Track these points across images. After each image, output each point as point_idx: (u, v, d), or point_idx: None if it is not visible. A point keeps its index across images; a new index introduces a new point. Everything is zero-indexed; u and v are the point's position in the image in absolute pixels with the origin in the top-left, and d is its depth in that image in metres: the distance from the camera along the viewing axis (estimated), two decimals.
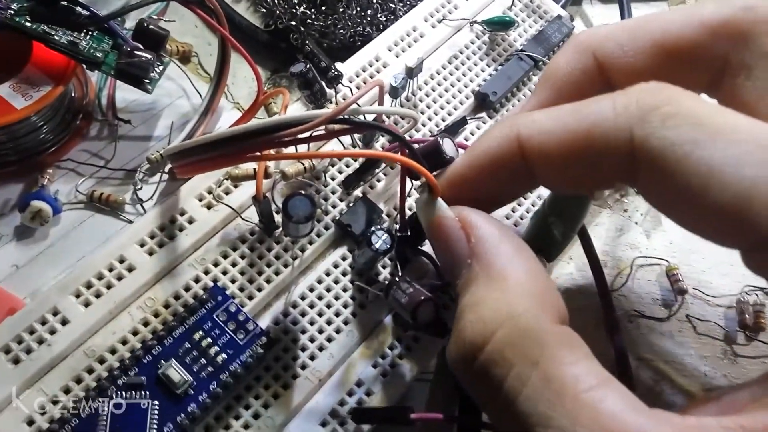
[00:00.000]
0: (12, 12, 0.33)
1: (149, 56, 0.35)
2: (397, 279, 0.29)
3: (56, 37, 0.33)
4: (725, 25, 0.24)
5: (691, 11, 0.25)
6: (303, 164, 0.32)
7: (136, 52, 0.35)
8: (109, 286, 0.30)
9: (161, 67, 0.37)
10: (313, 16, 0.41)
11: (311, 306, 0.32)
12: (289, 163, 0.34)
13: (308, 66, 0.33)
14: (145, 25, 0.35)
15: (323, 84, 0.34)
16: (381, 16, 0.43)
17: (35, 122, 0.36)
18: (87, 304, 0.30)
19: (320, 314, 0.32)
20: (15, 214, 0.35)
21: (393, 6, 0.43)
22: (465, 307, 0.22)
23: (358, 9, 0.42)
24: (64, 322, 0.29)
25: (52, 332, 0.29)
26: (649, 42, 0.25)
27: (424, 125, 0.39)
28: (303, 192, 0.28)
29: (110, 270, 0.31)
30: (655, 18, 0.26)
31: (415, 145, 0.32)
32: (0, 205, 0.35)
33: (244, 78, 0.44)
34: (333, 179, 0.36)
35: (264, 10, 0.43)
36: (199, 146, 0.24)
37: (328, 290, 0.33)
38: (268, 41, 0.43)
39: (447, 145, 0.29)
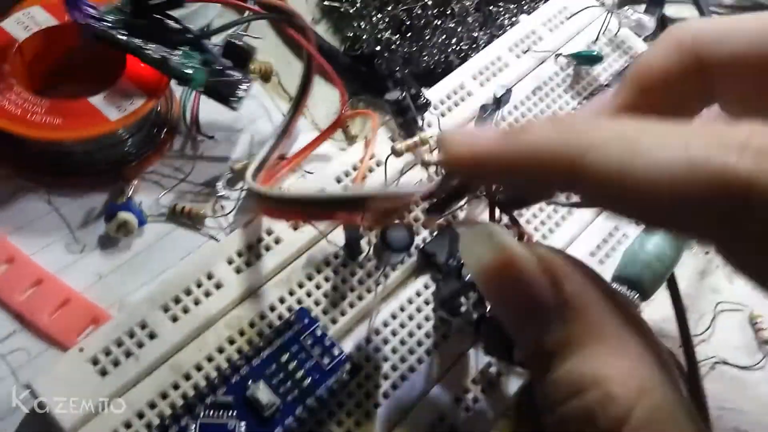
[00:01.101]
0: (108, 24, 0.33)
1: (238, 75, 0.35)
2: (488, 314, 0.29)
3: (149, 52, 0.34)
4: None
5: None
6: (418, 139, 0.32)
7: (225, 70, 0.35)
8: (197, 302, 0.30)
9: (248, 85, 0.37)
10: (398, 42, 0.41)
11: (393, 334, 0.32)
12: None
13: (404, 94, 0.32)
14: (234, 42, 0.36)
15: (415, 113, 0.34)
16: (464, 45, 0.42)
17: (121, 134, 0.36)
18: (175, 319, 0.30)
19: (402, 343, 0.32)
20: (99, 223, 0.35)
21: (475, 35, 0.43)
22: (577, 379, 0.17)
23: (444, 37, 0.42)
24: (152, 336, 0.29)
25: (140, 345, 0.29)
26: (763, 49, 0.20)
27: None
28: (402, 222, 0.28)
29: (198, 286, 0.31)
30: None
31: None
32: (84, 214, 0.35)
33: (323, 99, 0.44)
34: (417, 205, 0.35)
35: (350, 34, 0.43)
36: (283, 199, 0.24)
37: (411, 318, 0.32)
38: (348, 64, 0.43)
39: None
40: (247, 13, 0.37)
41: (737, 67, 0.21)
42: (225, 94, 0.35)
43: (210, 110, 0.40)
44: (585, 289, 0.18)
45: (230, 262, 0.32)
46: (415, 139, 0.33)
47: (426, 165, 0.32)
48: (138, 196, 0.36)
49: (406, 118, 0.33)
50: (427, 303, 0.33)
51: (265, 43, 0.46)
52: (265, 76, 0.43)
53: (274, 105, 0.42)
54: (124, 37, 0.33)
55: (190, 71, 0.34)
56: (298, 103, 0.37)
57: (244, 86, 0.35)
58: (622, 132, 0.17)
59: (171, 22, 0.34)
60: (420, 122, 0.36)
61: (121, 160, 0.37)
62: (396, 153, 0.33)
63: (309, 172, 0.39)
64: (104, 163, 0.36)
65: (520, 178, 0.20)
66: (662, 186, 0.15)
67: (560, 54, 0.42)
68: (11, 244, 0.33)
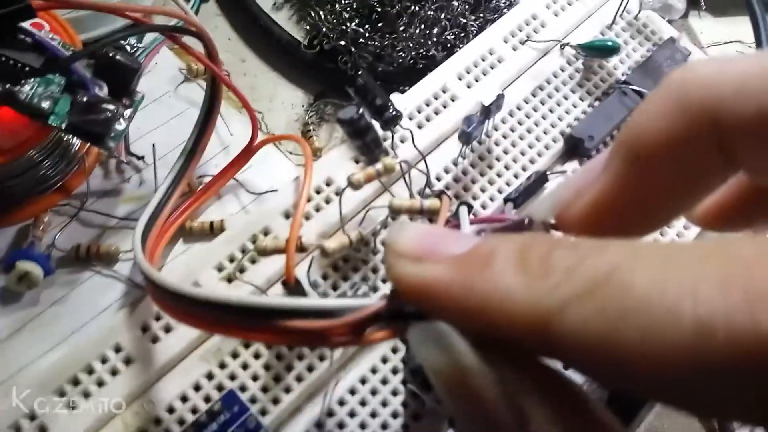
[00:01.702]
0: None
1: (112, 107, 0.27)
2: None
3: None
4: None
5: None
6: (348, 237, 0.25)
7: (93, 101, 0.27)
8: (100, 383, 0.24)
9: (130, 111, 0.29)
10: (367, 35, 0.33)
11: (351, 415, 0.25)
12: (320, 233, 0.27)
13: (360, 112, 0.25)
14: (110, 56, 0.28)
15: (376, 133, 0.27)
16: (449, 35, 0.35)
17: (33, 157, 0.30)
18: (72, 407, 0.24)
19: (363, 426, 0.25)
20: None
21: (464, 21, 0.36)
22: None
23: (422, 27, 0.34)
24: (42, 430, 0.23)
25: None
26: None
27: (499, 176, 0.31)
28: None
29: (103, 361, 0.25)
30: None
31: (492, 224, 0.24)
32: None
33: (283, 104, 0.37)
34: (384, 245, 0.28)
35: (307, 27, 0.36)
36: (178, 295, 0.18)
37: (374, 393, 0.26)
38: (311, 60, 0.36)
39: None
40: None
41: (764, 127, 0.14)
42: (95, 133, 0.27)
43: (147, 119, 0.33)
44: (555, 422, 0.13)
45: (145, 330, 0.25)
46: (377, 167, 0.26)
47: (394, 212, 0.25)
48: (52, 233, 0.30)
49: (366, 142, 0.26)
50: (394, 372, 0.26)
51: (216, 36, 0.38)
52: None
53: (224, 110, 0.35)
54: None
55: (46, 104, 0.26)
56: (202, 128, 0.30)
57: (122, 117, 0.28)
58: (604, 274, 0.12)
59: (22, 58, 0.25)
60: (388, 140, 0.30)
61: (33, 189, 0.30)
62: (352, 185, 0.26)
63: (254, 193, 0.32)
64: (9, 195, 0.30)
65: (480, 332, 0.14)
66: (663, 361, 0.11)
67: (567, 44, 0.34)
68: None
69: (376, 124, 0.29)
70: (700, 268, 0.11)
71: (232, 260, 0.27)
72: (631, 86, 0.33)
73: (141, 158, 0.32)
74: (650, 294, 0.11)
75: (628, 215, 0.16)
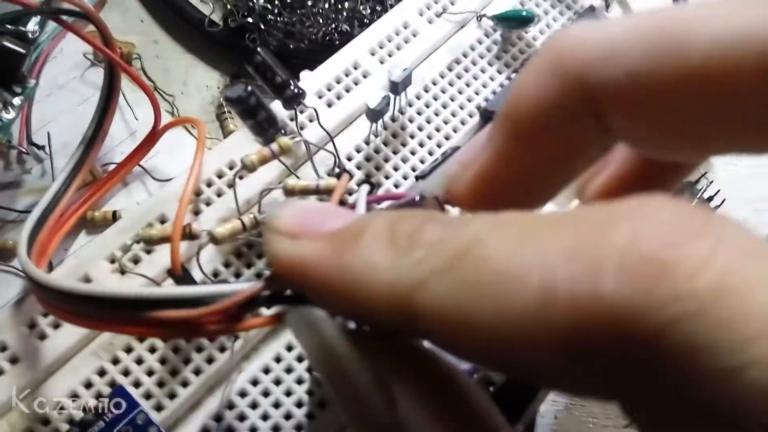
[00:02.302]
0: None
1: None
2: None
3: None
4: None
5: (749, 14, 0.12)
6: (241, 221, 0.24)
7: None
8: None
9: (19, 99, 0.28)
10: (276, 11, 0.32)
11: (253, 406, 0.25)
12: (220, 219, 0.26)
13: (249, 89, 0.24)
14: None
15: (270, 111, 0.25)
16: (364, 9, 0.34)
17: None
18: None
19: (265, 417, 0.25)
20: None
21: None
22: None
23: (333, 1, 0.33)
24: None
25: None
26: (679, 74, 0.12)
27: (413, 153, 0.30)
28: None
29: None
30: (687, 18, 0.13)
31: (390, 202, 0.23)
32: None
33: (197, 86, 0.35)
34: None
35: (215, 2, 0.34)
36: (53, 290, 0.17)
37: (278, 383, 0.25)
38: (223, 38, 0.35)
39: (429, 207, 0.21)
40: None
41: (635, 92, 0.13)
42: None
43: (52, 107, 0.32)
44: (420, 407, 0.13)
45: (32, 326, 0.24)
46: (273, 147, 0.25)
47: (288, 193, 0.24)
48: None
49: (257, 120, 0.25)
50: (300, 360, 0.26)
51: (127, 18, 0.37)
52: (124, 61, 0.35)
53: (133, 99, 0.33)
54: None
55: None
56: (102, 116, 0.29)
57: (9, 106, 0.26)
58: (464, 248, 0.11)
59: None
60: (296, 118, 0.28)
61: None
62: (246, 167, 0.25)
63: (160, 180, 0.31)
64: None
65: (343, 307, 0.13)
66: (511, 335, 0.10)
67: (484, 15, 0.33)
68: None
69: (278, 103, 0.28)
70: (551, 237, 0.11)
71: (125, 251, 0.26)
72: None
73: (41, 148, 0.31)
74: (502, 265, 0.11)
75: (512, 188, 0.15)
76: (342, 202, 0.23)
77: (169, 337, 0.23)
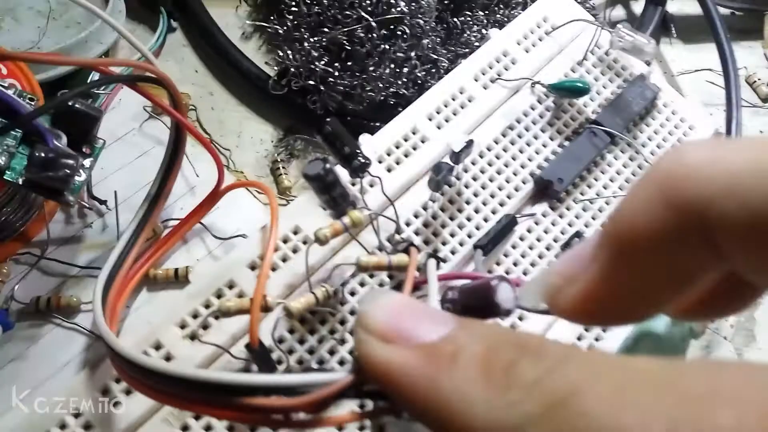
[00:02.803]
0: None
1: (71, 162, 0.26)
2: None
3: None
4: None
5: None
6: (315, 294, 0.25)
7: (52, 157, 0.25)
8: None
9: (90, 160, 0.28)
10: (336, 74, 0.33)
11: None
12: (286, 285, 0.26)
13: (327, 167, 0.25)
14: (70, 105, 0.26)
15: (344, 187, 0.26)
16: (419, 71, 0.34)
17: None
18: None
19: None
20: None
21: (434, 57, 0.35)
22: None
23: (392, 66, 0.33)
24: None
25: None
26: None
27: (469, 219, 0.31)
28: None
29: (62, 428, 0.24)
30: None
31: (456, 282, 0.24)
32: None
33: (252, 139, 0.36)
34: (353, 294, 0.28)
35: (276, 67, 0.35)
36: (135, 365, 0.17)
37: None
38: (282, 94, 0.35)
39: (503, 293, 0.21)
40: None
41: (757, 229, 0.13)
42: (54, 187, 0.26)
43: (111, 160, 0.33)
44: None
45: (105, 392, 0.25)
46: (345, 221, 0.26)
47: (361, 269, 0.25)
48: (11, 283, 0.29)
49: (333, 195, 0.26)
50: None
51: (183, 69, 0.38)
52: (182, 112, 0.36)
53: (193, 154, 0.34)
54: None
55: (2, 160, 0.25)
56: (166, 174, 0.29)
57: (81, 168, 0.27)
58: (561, 397, 0.12)
59: None
60: (357, 185, 0.29)
61: None
62: (319, 241, 0.25)
63: (220, 238, 0.32)
64: None
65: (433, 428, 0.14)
66: None
67: (538, 82, 0.34)
68: None
69: (345, 172, 0.29)
70: (651, 402, 0.11)
71: (195, 316, 0.26)
72: (601, 126, 0.33)
73: (104, 202, 0.31)
74: (601, 425, 0.11)
75: (618, 304, 0.16)
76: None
77: (256, 424, 0.24)
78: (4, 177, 0.25)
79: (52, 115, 0.27)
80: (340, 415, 0.17)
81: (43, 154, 0.25)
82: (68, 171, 0.25)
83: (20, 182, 0.25)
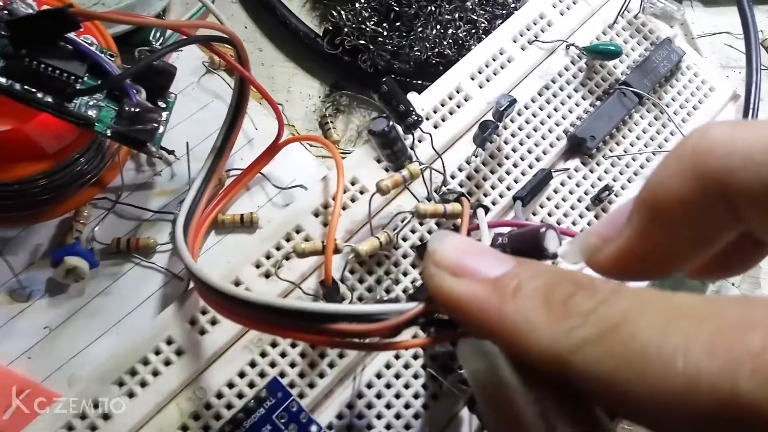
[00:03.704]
0: None
1: (156, 116, 0.29)
2: None
3: (39, 95, 0.26)
4: None
5: None
6: (379, 239, 0.28)
7: (139, 111, 0.28)
8: (155, 373, 0.27)
9: (167, 114, 0.31)
10: (385, 34, 0.35)
11: (378, 396, 0.29)
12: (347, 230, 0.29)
13: (391, 124, 0.28)
14: (150, 64, 0.28)
15: (404, 143, 0.29)
16: (461, 32, 0.37)
17: (73, 156, 0.31)
18: (131, 395, 0.26)
19: (388, 406, 0.29)
20: (47, 263, 0.31)
21: (474, 17, 0.37)
22: None
23: (438, 27, 0.36)
24: (105, 417, 0.26)
25: (93, 429, 0.26)
26: None
27: (508, 173, 0.33)
28: None
29: (156, 354, 0.27)
30: None
31: (507, 229, 0.27)
32: (30, 253, 0.31)
33: (300, 94, 0.39)
34: (405, 240, 0.31)
35: (329, 26, 0.37)
36: (237, 300, 0.20)
37: (397, 377, 0.29)
38: (328, 53, 0.37)
39: (550, 239, 0.24)
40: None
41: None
42: (140, 141, 0.29)
43: (174, 112, 0.35)
44: None
45: (193, 323, 0.28)
46: (404, 174, 0.29)
47: (419, 216, 0.28)
48: (91, 225, 0.32)
49: (394, 150, 0.29)
50: (415, 358, 0.29)
51: (232, 25, 0.39)
52: (231, 69, 0.38)
53: (250, 107, 0.36)
54: (3, 80, 0.26)
55: (93, 112, 0.28)
56: (230, 127, 0.32)
57: (161, 121, 0.29)
58: (614, 323, 0.14)
59: (66, 74, 0.27)
60: (408, 140, 0.32)
61: (71, 184, 0.32)
62: (381, 191, 0.28)
63: (280, 187, 0.34)
64: (50, 189, 0.32)
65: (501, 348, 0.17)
66: (656, 403, 0.13)
67: (572, 44, 0.36)
68: None
69: (399, 128, 0.31)
70: (694, 330, 0.13)
71: (268, 257, 0.29)
72: (630, 87, 0.35)
73: (171, 152, 0.34)
74: (650, 347, 0.13)
75: (649, 262, 0.18)
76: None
77: (337, 347, 0.27)
78: (95, 128, 0.28)
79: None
80: (414, 340, 0.21)
81: (131, 109, 0.27)
82: (154, 124, 0.28)
83: (108, 133, 0.28)
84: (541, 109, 0.35)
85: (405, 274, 0.31)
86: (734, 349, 0.13)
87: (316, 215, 0.31)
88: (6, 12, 0.27)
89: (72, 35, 0.28)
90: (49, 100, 0.26)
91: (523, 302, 0.16)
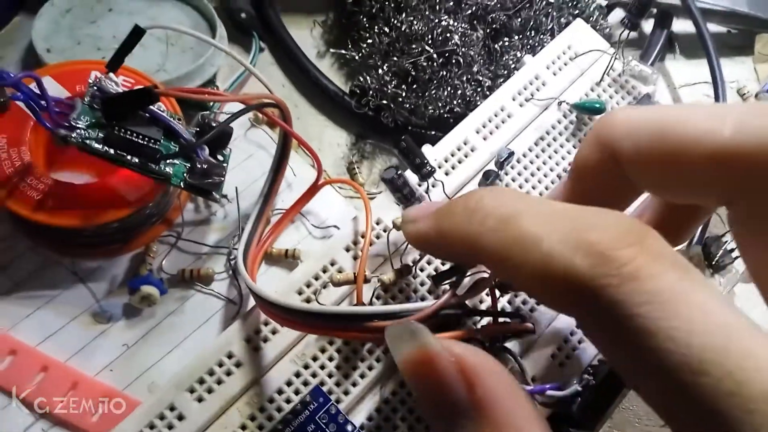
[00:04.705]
0: (81, 131, 0.32)
1: (221, 171, 0.35)
2: None
3: (128, 158, 0.32)
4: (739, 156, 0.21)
5: (717, 121, 0.21)
6: (400, 270, 0.34)
7: (208, 168, 0.34)
8: (219, 382, 0.33)
9: (225, 166, 0.37)
10: (404, 95, 0.41)
11: (402, 402, 0.34)
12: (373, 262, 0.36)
13: (399, 173, 0.34)
14: (212, 124, 0.35)
15: (412, 188, 0.35)
16: (468, 90, 0.43)
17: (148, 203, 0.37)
18: (200, 400, 0.32)
19: (410, 411, 0.34)
20: (123, 290, 0.37)
21: (480, 78, 0.43)
22: None
23: (449, 89, 0.42)
24: (180, 418, 0.32)
25: (170, 428, 0.32)
26: (675, 152, 0.22)
27: None
28: None
29: (220, 366, 0.33)
30: (692, 119, 0.22)
31: None
32: (109, 282, 0.37)
33: (330, 144, 0.45)
34: (422, 270, 0.37)
35: (356, 89, 0.43)
36: (281, 307, 0.26)
37: None
38: (353, 108, 0.44)
39: None
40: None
41: (641, 160, 0.23)
42: (207, 188, 0.35)
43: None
44: (497, 392, 0.20)
45: (248, 341, 0.34)
46: None
47: (397, 228, 0.34)
48: (158, 259, 0.38)
49: (404, 194, 0.35)
50: None
51: (271, 84, 0.46)
52: (272, 122, 0.44)
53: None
54: (99, 146, 0.32)
55: (169, 169, 0.34)
56: (273, 178, 0.37)
57: (222, 176, 0.36)
58: (508, 216, 0.21)
59: (149, 133, 0.33)
60: (423, 187, 0.38)
61: (138, 225, 0.38)
62: (396, 227, 0.34)
63: (318, 227, 0.41)
64: (123, 231, 0.38)
65: (445, 253, 0.26)
66: (530, 274, 0.19)
67: (563, 101, 0.42)
68: (10, 336, 0.35)
69: (416, 177, 0.37)
70: (556, 223, 0.20)
71: (308, 285, 0.35)
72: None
73: (224, 196, 0.40)
74: (529, 234, 0.20)
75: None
76: None
77: (374, 341, 0.33)
78: (171, 182, 0.34)
79: (198, 133, 0.36)
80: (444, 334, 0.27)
81: (201, 166, 0.34)
82: (222, 179, 0.34)
83: (182, 186, 0.34)
84: (537, 157, 0.41)
85: (423, 298, 0.36)
86: (578, 240, 0.18)
87: (347, 250, 0.37)
88: (96, 89, 0.33)
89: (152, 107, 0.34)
90: (136, 160, 0.33)
91: (452, 214, 0.23)
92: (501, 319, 0.31)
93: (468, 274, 0.36)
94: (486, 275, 0.30)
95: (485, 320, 0.35)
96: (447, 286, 0.28)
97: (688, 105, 0.30)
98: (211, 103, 0.42)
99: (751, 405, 0.15)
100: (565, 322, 0.37)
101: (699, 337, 0.16)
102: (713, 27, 0.50)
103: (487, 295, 0.36)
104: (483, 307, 0.36)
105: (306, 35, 0.48)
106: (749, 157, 0.20)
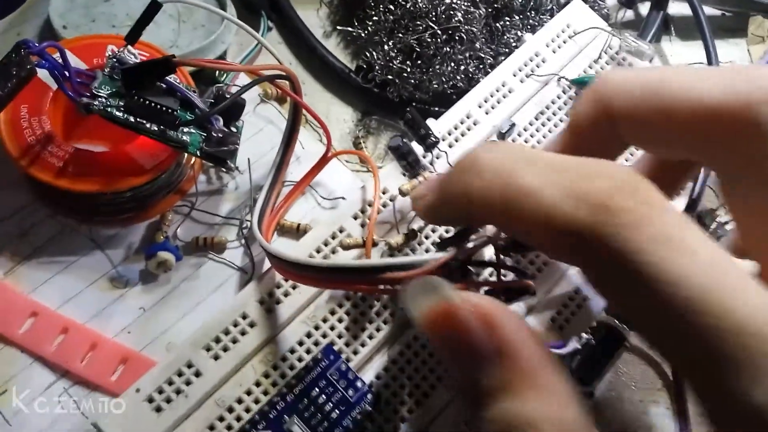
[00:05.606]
0: (103, 99, 0.33)
1: (236, 140, 0.37)
2: None
3: (147, 125, 0.34)
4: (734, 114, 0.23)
5: (707, 81, 0.23)
6: (406, 234, 0.35)
7: (224, 136, 0.36)
8: (234, 341, 0.34)
9: (239, 136, 0.38)
10: (409, 70, 0.43)
11: (408, 362, 0.36)
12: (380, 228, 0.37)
13: (404, 141, 0.35)
14: (226, 96, 0.37)
15: (417, 156, 0.36)
16: (471, 67, 0.44)
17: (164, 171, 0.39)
18: (216, 358, 0.34)
19: (417, 370, 0.36)
20: (140, 257, 0.38)
21: (482, 56, 0.45)
22: (511, 420, 0.19)
23: (452, 65, 0.43)
24: (198, 374, 0.33)
25: (188, 383, 0.33)
26: (661, 109, 0.24)
27: None
28: None
29: (235, 326, 0.35)
30: (678, 79, 0.24)
31: None
32: (125, 248, 0.39)
33: (337, 120, 0.46)
34: (427, 238, 0.39)
35: (362, 64, 0.45)
36: (297, 265, 0.28)
37: (424, 347, 0.36)
38: (359, 84, 0.45)
39: None
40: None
41: (634, 114, 0.25)
42: (223, 159, 0.36)
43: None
44: (517, 336, 0.20)
45: (262, 302, 0.35)
46: (420, 179, 0.36)
47: (403, 195, 0.36)
48: (172, 227, 0.40)
49: (409, 161, 0.36)
50: None
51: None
52: (281, 98, 0.46)
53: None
54: (120, 114, 0.33)
55: (187, 138, 0.35)
56: (285, 148, 0.39)
57: (236, 144, 0.37)
58: (508, 172, 0.21)
59: (174, 109, 0.34)
60: (428, 158, 0.39)
61: (154, 194, 0.40)
62: (402, 194, 0.36)
63: (327, 198, 0.42)
64: (138, 199, 0.39)
65: (451, 217, 0.27)
66: (533, 225, 0.20)
67: (562, 77, 0.44)
68: (31, 299, 0.37)
69: (421, 148, 0.39)
70: (559, 176, 0.20)
71: (318, 251, 0.37)
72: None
73: (236, 168, 0.42)
74: (532, 187, 0.20)
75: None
76: None
77: (389, 293, 0.34)
78: (188, 150, 0.35)
79: (212, 103, 0.37)
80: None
81: (217, 135, 0.35)
82: (236, 147, 0.35)
83: (198, 154, 0.36)
84: (537, 131, 0.43)
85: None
86: (581, 191, 0.19)
87: (355, 218, 0.38)
88: (115, 60, 0.35)
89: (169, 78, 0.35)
90: (155, 128, 0.34)
91: (452, 179, 0.25)
92: (503, 278, 0.33)
93: (471, 238, 0.38)
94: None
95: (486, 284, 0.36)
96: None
97: (680, 66, 0.32)
98: (223, 77, 0.43)
99: (749, 340, 0.17)
100: (564, 287, 0.39)
101: (700, 278, 0.18)
102: (708, 10, 0.51)
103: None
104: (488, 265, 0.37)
105: (312, 15, 0.49)
106: (732, 116, 0.22)
